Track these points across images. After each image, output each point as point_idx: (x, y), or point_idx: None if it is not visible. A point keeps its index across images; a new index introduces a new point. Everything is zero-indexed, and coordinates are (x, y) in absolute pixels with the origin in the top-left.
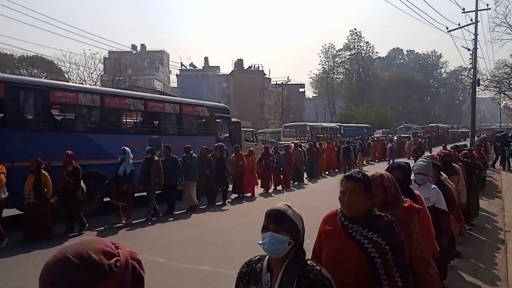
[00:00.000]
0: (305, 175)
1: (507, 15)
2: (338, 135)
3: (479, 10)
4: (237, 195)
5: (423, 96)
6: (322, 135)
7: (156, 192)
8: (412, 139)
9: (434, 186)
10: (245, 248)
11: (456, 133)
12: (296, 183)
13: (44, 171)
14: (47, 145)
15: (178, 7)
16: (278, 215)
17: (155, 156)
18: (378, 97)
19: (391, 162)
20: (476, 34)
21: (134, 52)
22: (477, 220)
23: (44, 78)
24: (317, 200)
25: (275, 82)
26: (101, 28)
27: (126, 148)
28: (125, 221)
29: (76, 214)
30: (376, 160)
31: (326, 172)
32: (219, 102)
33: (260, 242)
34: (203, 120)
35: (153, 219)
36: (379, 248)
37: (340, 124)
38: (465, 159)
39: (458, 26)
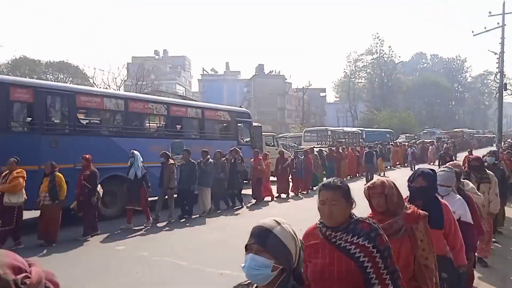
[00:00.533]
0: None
1: None
2: (360, 139)
3: (506, 13)
4: (255, 200)
5: (448, 101)
6: (343, 140)
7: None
8: (435, 144)
9: (458, 197)
10: None
11: (481, 138)
12: (314, 188)
13: (58, 173)
14: (74, 148)
15: (200, 13)
16: (262, 233)
17: (169, 160)
18: (401, 101)
19: (412, 168)
20: (503, 38)
21: (156, 57)
22: (504, 228)
23: (70, 83)
24: None
25: (296, 87)
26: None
27: (135, 151)
28: (145, 224)
29: (89, 218)
30: (398, 165)
31: (348, 177)
32: (240, 107)
33: (242, 265)
34: (224, 124)
35: (157, 223)
36: (367, 251)
37: (362, 128)
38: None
39: (485, 30)
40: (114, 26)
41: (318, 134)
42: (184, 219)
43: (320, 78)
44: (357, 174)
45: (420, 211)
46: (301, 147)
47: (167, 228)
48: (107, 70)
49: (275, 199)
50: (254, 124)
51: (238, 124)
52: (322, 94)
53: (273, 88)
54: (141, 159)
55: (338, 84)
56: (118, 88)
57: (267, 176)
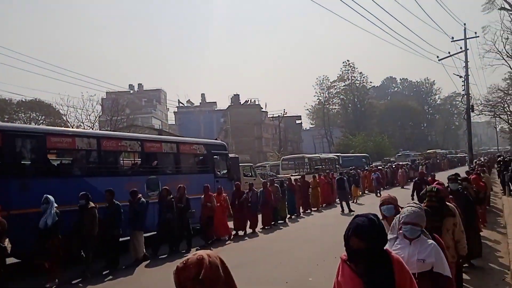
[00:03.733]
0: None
1: (495, 42)
2: (337, 165)
3: (468, 38)
4: (205, 242)
5: (419, 123)
6: (320, 167)
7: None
8: (404, 168)
9: (431, 241)
10: None
11: (453, 158)
12: (274, 223)
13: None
14: (45, 191)
15: (173, 46)
16: None
17: (90, 202)
18: (375, 125)
19: (377, 193)
20: (466, 62)
21: (131, 91)
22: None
23: (43, 122)
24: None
25: (271, 115)
26: (98, 70)
27: (49, 196)
28: (49, 285)
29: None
30: (366, 192)
31: (323, 205)
32: (216, 139)
33: None
34: (200, 157)
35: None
36: None
37: (338, 154)
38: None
39: (448, 55)
40: (87, 62)
41: (296, 162)
42: (107, 271)
43: (295, 106)
44: (331, 203)
45: None
46: (279, 175)
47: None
48: (81, 106)
49: (231, 237)
50: (231, 155)
51: (214, 157)
52: (298, 121)
53: (249, 117)
54: (56, 205)
55: (312, 111)
56: (92, 124)
57: (223, 212)
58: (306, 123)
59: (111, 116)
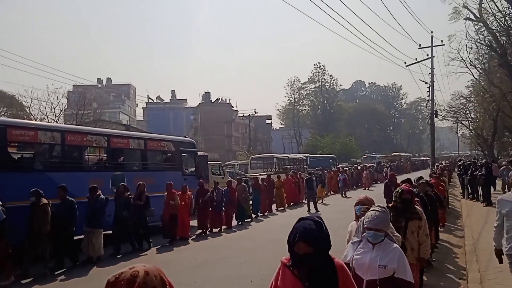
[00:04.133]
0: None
1: (460, 50)
2: (305, 166)
3: (434, 46)
4: (168, 240)
5: (386, 126)
6: (289, 166)
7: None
8: (369, 169)
9: (395, 245)
10: None
11: (416, 161)
12: (240, 222)
13: None
14: (4, 186)
15: (144, 40)
16: None
17: (42, 199)
18: (343, 127)
19: (343, 194)
20: (432, 68)
21: (99, 85)
22: (438, 252)
23: (4, 114)
24: (255, 246)
25: (242, 114)
26: (65, 62)
27: None
28: (3, 283)
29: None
30: (331, 192)
31: (291, 204)
32: (185, 136)
33: None
34: (168, 155)
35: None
36: None
37: (306, 154)
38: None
39: (416, 61)
40: (53, 54)
41: (264, 161)
42: (62, 271)
43: (265, 106)
44: (298, 202)
45: None
46: (248, 174)
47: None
48: (45, 99)
49: (193, 236)
50: (200, 153)
51: (183, 154)
52: (268, 121)
53: (220, 115)
54: (0, 202)
55: (283, 111)
56: (57, 118)
57: (187, 211)
58: (276, 123)
59: (77, 110)
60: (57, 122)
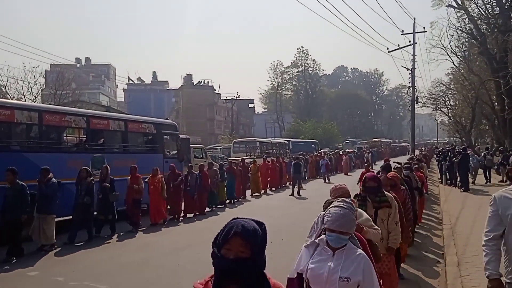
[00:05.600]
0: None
1: (441, 37)
2: (287, 150)
3: (416, 32)
4: (131, 227)
5: (367, 112)
6: (271, 151)
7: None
8: (348, 155)
9: (359, 252)
10: None
11: (396, 147)
12: (211, 209)
13: None
14: None
15: (125, 20)
16: None
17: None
18: (325, 112)
19: (325, 180)
20: (414, 55)
21: (78, 65)
22: (416, 236)
23: None
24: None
25: (225, 98)
26: (42, 41)
27: None
28: None
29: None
30: (309, 177)
31: (273, 188)
32: (167, 119)
33: None
34: (149, 137)
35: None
36: None
37: (289, 139)
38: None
39: (398, 47)
40: (31, 31)
41: (247, 145)
42: (13, 260)
43: (248, 89)
44: (281, 186)
45: None
46: (230, 158)
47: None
48: (22, 78)
49: (165, 223)
50: (182, 136)
51: (164, 137)
52: (250, 105)
53: (202, 98)
54: None
55: (265, 95)
56: (34, 98)
57: (158, 196)
58: (259, 107)
59: (55, 90)
60: (34, 102)
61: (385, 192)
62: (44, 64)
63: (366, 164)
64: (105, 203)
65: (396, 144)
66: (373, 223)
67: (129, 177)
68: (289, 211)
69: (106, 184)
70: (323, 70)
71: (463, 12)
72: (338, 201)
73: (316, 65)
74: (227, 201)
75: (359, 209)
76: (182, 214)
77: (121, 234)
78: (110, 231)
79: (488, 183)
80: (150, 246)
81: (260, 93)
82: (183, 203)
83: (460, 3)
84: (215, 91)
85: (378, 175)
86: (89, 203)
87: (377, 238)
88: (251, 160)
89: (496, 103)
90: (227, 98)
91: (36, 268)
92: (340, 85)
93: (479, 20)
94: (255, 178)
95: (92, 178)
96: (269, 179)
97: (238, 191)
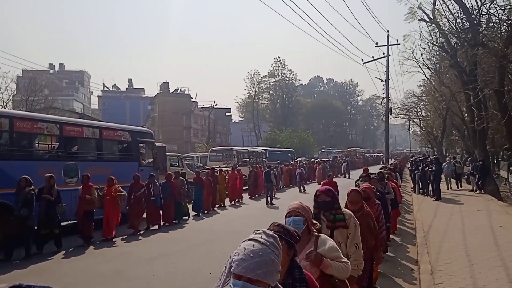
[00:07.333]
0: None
1: (414, 50)
2: (264, 159)
3: (390, 45)
4: (82, 241)
5: (342, 122)
6: (248, 159)
7: None
8: (322, 164)
9: None
10: None
11: (369, 157)
12: (177, 221)
13: None
14: None
15: (101, 26)
16: None
17: None
18: (301, 122)
19: (300, 189)
20: (388, 67)
21: (51, 71)
22: (390, 244)
23: None
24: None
25: (201, 106)
26: (14, 45)
27: None
28: None
29: None
30: (283, 186)
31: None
32: (142, 126)
33: None
34: (125, 145)
35: None
36: None
37: (265, 148)
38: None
39: (372, 59)
40: (2, 35)
41: (224, 154)
42: None
43: (225, 98)
44: (255, 196)
45: None
46: (207, 167)
47: None
48: None
49: (124, 237)
50: (158, 144)
51: (140, 145)
52: (227, 113)
53: (179, 106)
54: None
55: (242, 104)
56: (5, 104)
57: (113, 207)
58: (236, 116)
59: (27, 96)
60: (5, 108)
61: (343, 209)
62: (16, 69)
63: (330, 175)
64: (48, 216)
65: (370, 153)
66: (341, 255)
67: (81, 186)
68: (255, 222)
69: (46, 195)
70: (299, 80)
71: (435, 26)
72: (256, 232)
73: (293, 75)
74: (194, 213)
75: (322, 235)
76: (145, 226)
77: (70, 250)
78: (56, 246)
79: (459, 188)
80: (127, 255)
81: (237, 102)
82: (144, 215)
83: (432, 18)
84: (192, 99)
85: (357, 187)
86: (26, 216)
87: (344, 275)
88: (218, 169)
89: (466, 115)
90: (204, 106)
91: None
92: (316, 95)
93: (450, 34)
94: (221, 188)
95: (31, 188)
96: (238, 188)
97: (207, 203)
